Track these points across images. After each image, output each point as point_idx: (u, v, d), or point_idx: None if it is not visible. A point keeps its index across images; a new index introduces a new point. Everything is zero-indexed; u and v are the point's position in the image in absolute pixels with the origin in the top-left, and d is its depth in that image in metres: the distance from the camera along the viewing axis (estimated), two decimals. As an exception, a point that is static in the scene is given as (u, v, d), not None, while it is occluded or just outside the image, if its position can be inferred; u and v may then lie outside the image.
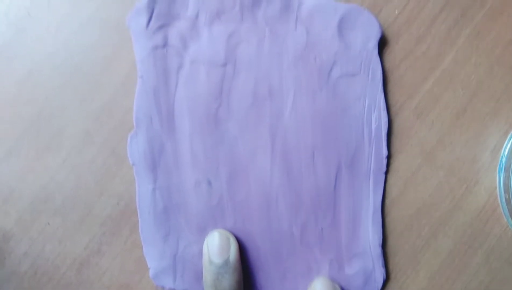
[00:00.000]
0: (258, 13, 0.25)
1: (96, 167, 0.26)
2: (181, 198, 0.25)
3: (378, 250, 0.25)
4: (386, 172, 0.26)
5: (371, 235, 0.25)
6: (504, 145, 0.26)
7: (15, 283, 0.26)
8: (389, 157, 0.26)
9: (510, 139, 0.26)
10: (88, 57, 0.25)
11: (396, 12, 0.26)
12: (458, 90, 0.26)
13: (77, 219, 0.26)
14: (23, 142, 0.26)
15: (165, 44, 0.25)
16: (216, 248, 0.24)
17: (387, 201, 0.26)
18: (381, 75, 0.25)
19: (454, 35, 0.26)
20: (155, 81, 0.25)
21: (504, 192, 0.26)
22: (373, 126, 0.25)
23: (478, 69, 0.26)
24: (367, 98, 0.25)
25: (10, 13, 0.25)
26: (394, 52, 0.26)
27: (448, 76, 0.26)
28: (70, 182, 0.26)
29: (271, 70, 0.25)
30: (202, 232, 0.25)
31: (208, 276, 0.24)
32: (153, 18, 0.24)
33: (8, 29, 0.25)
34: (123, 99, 0.25)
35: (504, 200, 0.26)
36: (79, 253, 0.26)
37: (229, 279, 0.23)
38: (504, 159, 0.26)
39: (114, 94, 0.26)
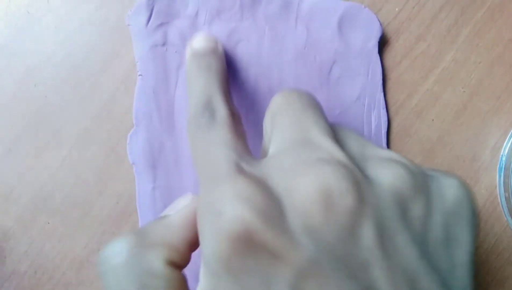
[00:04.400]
0: (258, 11, 0.25)
1: (96, 166, 0.26)
2: (181, 197, 0.25)
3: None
4: (386, 171, 0.26)
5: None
6: (504, 144, 0.26)
7: (15, 282, 0.26)
8: (389, 155, 0.26)
9: (510, 138, 0.26)
10: (87, 56, 0.25)
11: (397, 10, 0.26)
12: (458, 89, 0.26)
13: (77, 218, 0.26)
14: (23, 141, 0.25)
15: (164, 43, 0.24)
16: (202, 38, 0.22)
17: (387, 200, 0.26)
18: (381, 73, 0.25)
19: (454, 33, 0.26)
20: (155, 80, 0.25)
21: (504, 191, 0.26)
22: (373, 125, 0.25)
23: (478, 68, 0.26)
24: (367, 97, 0.25)
25: (9, 12, 0.25)
26: (394, 51, 0.26)
27: (448, 75, 0.26)
28: (70, 181, 0.26)
29: (271, 69, 0.25)
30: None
31: (191, 68, 0.21)
32: (152, 17, 0.24)
33: (8, 27, 0.25)
34: (122, 97, 0.25)
35: (504, 199, 0.26)
36: (79, 252, 0.26)
37: (219, 66, 0.21)
38: (504, 158, 0.26)
39: (114, 92, 0.25)
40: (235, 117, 0.18)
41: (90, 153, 0.26)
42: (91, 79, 0.25)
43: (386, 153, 0.16)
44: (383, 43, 0.26)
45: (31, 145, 0.25)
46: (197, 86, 0.19)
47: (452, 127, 0.26)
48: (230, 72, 0.25)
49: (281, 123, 0.16)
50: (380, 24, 0.25)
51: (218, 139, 0.16)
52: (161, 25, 0.24)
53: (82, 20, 0.25)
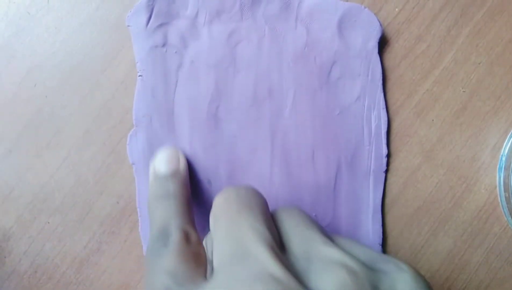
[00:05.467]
0: (258, 12, 0.25)
1: (96, 166, 0.26)
2: (181, 197, 0.25)
3: (378, 249, 0.25)
4: (386, 171, 0.26)
5: (371, 234, 0.25)
6: (504, 144, 0.26)
7: (15, 282, 0.26)
8: (389, 156, 0.26)
9: (510, 138, 0.26)
10: (87, 56, 0.25)
11: (396, 10, 0.26)
12: (458, 89, 0.26)
13: (77, 218, 0.26)
14: (23, 141, 0.26)
15: (164, 43, 0.25)
16: (163, 158, 0.23)
17: (387, 200, 0.26)
18: (381, 74, 0.25)
19: (454, 34, 0.26)
20: (155, 80, 0.25)
21: (504, 191, 0.26)
22: (373, 125, 0.25)
23: (478, 68, 0.26)
24: (367, 97, 0.25)
25: (9, 12, 0.25)
26: (394, 51, 0.26)
27: (448, 75, 0.26)
28: (70, 181, 0.26)
29: (271, 69, 0.25)
30: (202, 232, 0.25)
31: (152, 194, 0.21)
32: (152, 17, 0.24)
33: (8, 28, 0.25)
34: (122, 98, 0.25)
35: (504, 199, 0.26)
36: (79, 252, 0.26)
37: (177, 189, 0.21)
38: (504, 158, 0.26)
39: (114, 93, 0.26)
40: (190, 238, 0.18)
41: (90, 153, 0.26)
42: (91, 79, 0.25)
43: (331, 252, 0.15)
44: (383, 44, 0.26)
45: (31, 145, 0.26)
46: (155, 213, 0.20)
47: (452, 127, 0.26)
48: (230, 72, 0.25)
49: (219, 230, 0.17)
50: (380, 25, 0.25)
51: (162, 268, 0.17)
52: (161, 25, 0.24)
53: (82, 20, 0.25)
